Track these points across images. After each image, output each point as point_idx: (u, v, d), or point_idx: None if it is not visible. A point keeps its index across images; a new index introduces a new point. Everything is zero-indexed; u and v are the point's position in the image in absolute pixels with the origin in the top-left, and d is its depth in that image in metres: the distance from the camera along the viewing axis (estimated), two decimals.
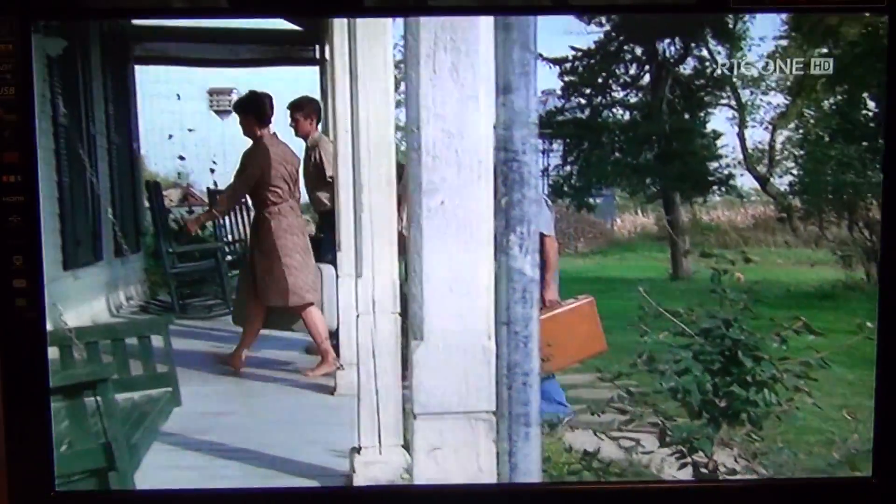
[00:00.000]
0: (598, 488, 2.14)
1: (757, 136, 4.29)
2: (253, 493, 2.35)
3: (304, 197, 4.76)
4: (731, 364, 2.77)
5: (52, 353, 2.98)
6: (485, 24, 1.93)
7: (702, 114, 4.35)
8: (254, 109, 4.39)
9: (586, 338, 3.51)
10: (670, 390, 2.86)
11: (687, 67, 4.15)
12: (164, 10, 2.00)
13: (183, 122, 4.60)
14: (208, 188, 4.89)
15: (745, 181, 4.44)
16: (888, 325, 1.87)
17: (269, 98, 4.44)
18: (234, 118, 4.54)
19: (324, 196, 4.82)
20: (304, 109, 4.78)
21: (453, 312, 2.11)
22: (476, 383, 2.13)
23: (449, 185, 2.04)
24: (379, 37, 2.92)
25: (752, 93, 4.20)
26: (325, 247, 4.85)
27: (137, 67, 5.84)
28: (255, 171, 4.40)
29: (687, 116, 4.37)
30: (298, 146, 4.72)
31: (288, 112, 4.78)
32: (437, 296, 2.11)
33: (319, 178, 4.78)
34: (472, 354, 2.12)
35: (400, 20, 2.04)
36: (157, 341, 3.31)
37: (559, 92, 4.38)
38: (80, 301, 5.07)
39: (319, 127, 4.81)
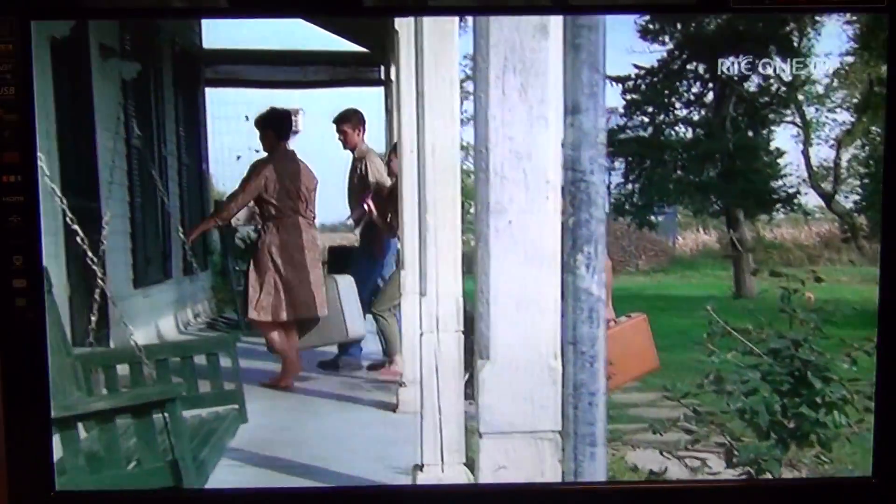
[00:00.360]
0: (597, 488, 2.12)
1: (822, 153, 4.24)
2: (253, 493, 2.34)
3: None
4: (801, 385, 2.74)
5: (122, 370, 3.07)
6: (554, 46, 1.94)
7: (766, 131, 4.31)
8: (273, 125, 4.45)
9: (640, 355, 3.48)
10: (738, 411, 2.83)
11: (751, 85, 4.12)
12: (164, 10, 2.02)
13: (250, 142, 4.67)
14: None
15: (810, 199, 4.39)
16: (888, 325, 1.84)
17: (289, 114, 4.49)
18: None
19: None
20: (350, 122, 4.83)
21: (520, 332, 2.11)
22: (542, 403, 2.13)
23: (516, 205, 2.05)
24: (446, 57, 2.94)
25: (817, 110, 4.15)
26: (359, 257, 4.91)
27: (208, 90, 5.96)
28: (258, 181, 4.45)
29: (751, 134, 4.33)
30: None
31: (334, 125, 4.83)
32: (504, 315, 2.11)
33: (364, 191, 4.82)
34: (538, 374, 2.12)
35: (469, 41, 2.06)
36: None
37: (621, 110, 4.37)
38: (150, 318, 5.16)
39: (366, 138, 4.85)
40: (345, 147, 4.84)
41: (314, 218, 4.55)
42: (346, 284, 4.75)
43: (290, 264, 4.43)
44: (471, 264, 3.65)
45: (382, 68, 5.61)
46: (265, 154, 4.43)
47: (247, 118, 4.56)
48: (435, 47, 2.94)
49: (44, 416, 1.77)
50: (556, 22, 1.93)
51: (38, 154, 2.62)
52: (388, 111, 5.23)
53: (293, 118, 4.52)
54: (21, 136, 1.67)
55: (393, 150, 4.75)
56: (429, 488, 2.09)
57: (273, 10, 1.87)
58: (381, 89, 5.59)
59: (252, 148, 4.70)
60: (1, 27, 1.64)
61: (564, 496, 2.11)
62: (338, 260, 5.01)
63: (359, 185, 4.84)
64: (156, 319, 5.21)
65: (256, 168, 4.43)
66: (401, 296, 4.11)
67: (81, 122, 4.25)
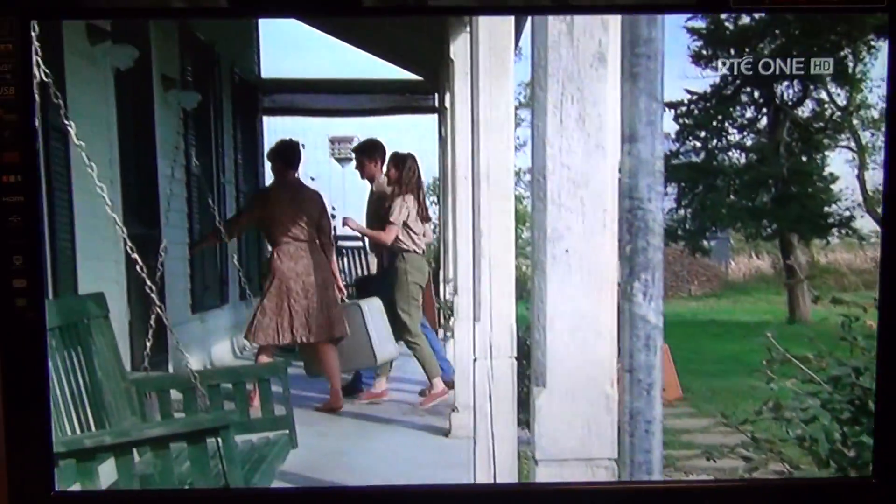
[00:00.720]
0: (596, 488, 2.09)
1: (878, 178, 4.19)
2: (253, 493, 2.34)
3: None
4: (861, 413, 2.70)
5: (175, 395, 3.11)
6: (612, 75, 1.95)
7: (820, 156, 4.28)
8: (281, 156, 4.57)
9: (663, 385, 3.46)
10: (797, 438, 2.80)
11: (805, 110, 4.09)
12: (165, 11, 2.02)
13: (306, 169, 4.73)
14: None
15: (865, 223, 4.34)
16: (888, 325, 1.81)
17: (297, 145, 4.58)
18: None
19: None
20: (367, 153, 4.87)
21: (576, 359, 2.10)
22: (598, 430, 2.12)
23: (574, 232, 2.05)
24: (501, 85, 2.97)
25: (872, 134, 4.12)
26: (378, 282, 4.93)
27: (265, 118, 6.06)
28: (254, 207, 4.58)
29: (805, 159, 4.29)
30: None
31: (353, 155, 4.87)
32: (561, 343, 2.11)
33: (383, 220, 4.86)
34: (594, 401, 2.11)
35: (523, 69, 2.07)
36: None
37: (674, 135, 4.37)
38: (207, 343, 5.23)
39: (384, 169, 4.88)
40: (362, 177, 4.88)
41: (329, 244, 4.59)
42: (373, 309, 4.77)
43: (294, 289, 4.47)
44: (521, 290, 3.67)
45: (436, 96, 5.67)
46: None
47: (303, 146, 4.63)
48: (490, 75, 2.96)
49: (44, 416, 1.74)
50: (614, 51, 1.94)
51: (99, 184, 2.69)
52: (442, 138, 5.27)
53: (301, 149, 4.60)
54: (21, 136, 1.65)
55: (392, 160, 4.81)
56: (429, 488, 2.06)
57: (273, 10, 1.88)
58: (435, 116, 5.64)
59: (307, 175, 4.76)
60: (1, 27, 1.64)
61: (554, 495, 2.08)
62: (365, 286, 5.04)
63: (376, 217, 4.88)
64: (212, 344, 5.28)
65: (255, 198, 4.49)
66: (455, 321, 4.14)
67: (143, 152, 4.35)
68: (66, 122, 2.70)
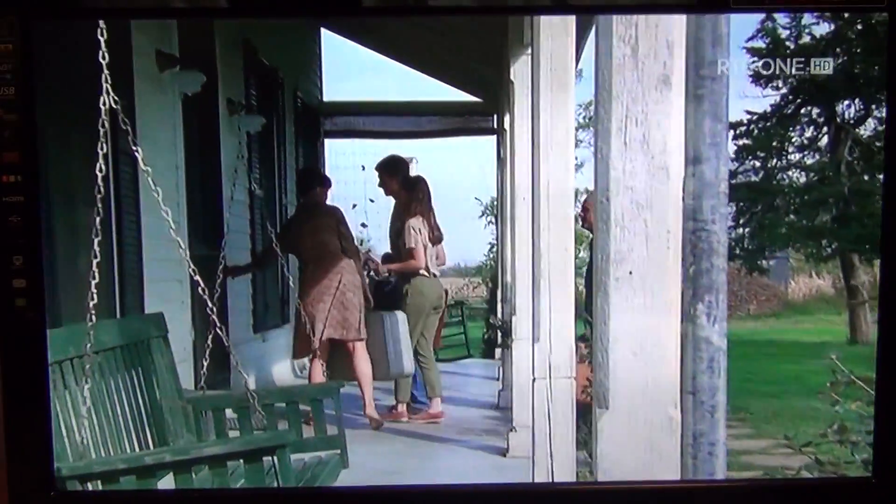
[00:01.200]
0: (596, 488, 2.06)
1: None
2: (254, 493, 2.33)
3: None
4: None
5: (230, 413, 3.15)
6: (676, 98, 1.95)
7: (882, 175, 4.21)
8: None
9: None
10: (863, 462, 2.75)
11: (867, 129, 4.05)
12: (164, 11, 2.01)
13: (366, 192, 4.79)
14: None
15: None
16: (888, 325, 1.77)
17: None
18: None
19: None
20: (389, 169, 4.89)
21: (639, 381, 2.10)
22: (661, 452, 2.11)
23: (637, 255, 2.05)
24: (563, 107, 2.98)
25: None
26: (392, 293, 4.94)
27: (327, 141, 6.14)
28: (286, 231, 4.70)
29: (866, 178, 4.24)
30: None
31: (376, 172, 4.90)
32: (623, 364, 2.10)
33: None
34: (657, 423, 2.10)
35: (583, 90, 2.08)
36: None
37: (732, 155, 4.34)
38: (267, 362, 5.30)
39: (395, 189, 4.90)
40: (386, 193, 4.91)
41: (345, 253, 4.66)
42: (394, 322, 4.78)
43: (317, 293, 4.59)
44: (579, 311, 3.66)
45: (495, 117, 5.70)
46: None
47: (363, 168, 4.68)
48: (551, 96, 2.98)
49: (44, 416, 1.72)
50: (678, 73, 1.94)
51: (165, 207, 2.75)
52: (500, 159, 5.29)
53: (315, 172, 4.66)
54: (21, 136, 1.64)
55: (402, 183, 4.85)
56: (429, 488, 2.05)
57: (273, 10, 1.88)
58: (494, 138, 5.67)
59: (368, 197, 4.81)
60: (1, 27, 1.62)
61: (552, 496, 2.06)
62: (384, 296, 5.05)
63: (398, 235, 4.90)
64: (273, 363, 5.34)
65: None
66: (512, 340, 4.13)
67: (208, 175, 4.43)
68: (134, 147, 2.74)
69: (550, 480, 3.05)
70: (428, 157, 4.89)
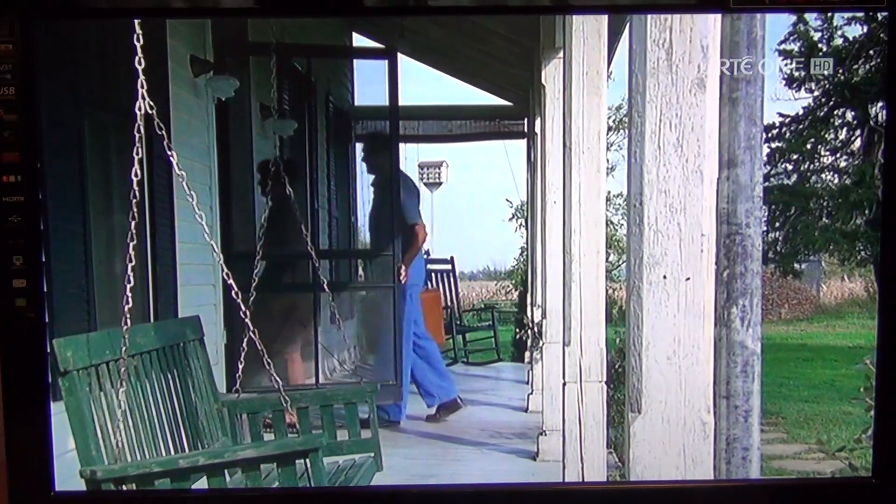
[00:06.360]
0: (595, 488, 2.04)
1: None
2: (254, 493, 2.33)
3: None
4: None
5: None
6: (711, 100, 1.95)
7: None
8: None
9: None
10: None
11: None
12: (165, 10, 2.01)
13: None
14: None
15: None
16: (888, 325, 1.74)
17: None
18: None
19: None
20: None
21: (672, 385, 2.09)
22: (694, 457, 2.10)
23: (671, 258, 2.04)
24: (594, 111, 2.98)
25: None
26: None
27: (358, 145, 6.18)
28: None
29: None
30: None
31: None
32: (657, 369, 2.10)
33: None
34: (690, 428, 2.09)
35: (614, 93, 2.08)
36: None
37: (765, 158, 4.31)
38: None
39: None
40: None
41: None
42: None
43: None
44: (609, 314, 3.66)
45: (526, 121, 5.70)
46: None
47: None
48: (583, 100, 2.98)
49: (44, 417, 1.72)
50: (713, 76, 1.94)
51: (199, 212, 2.77)
52: (531, 162, 5.30)
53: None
54: (21, 136, 1.64)
55: None
56: (429, 488, 2.05)
57: (273, 10, 1.88)
58: (524, 141, 5.68)
59: None
60: (1, 27, 1.62)
61: (555, 495, 2.05)
62: None
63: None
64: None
65: None
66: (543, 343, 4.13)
67: (242, 179, 4.46)
68: (169, 152, 2.76)
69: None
70: (459, 160, 4.88)
